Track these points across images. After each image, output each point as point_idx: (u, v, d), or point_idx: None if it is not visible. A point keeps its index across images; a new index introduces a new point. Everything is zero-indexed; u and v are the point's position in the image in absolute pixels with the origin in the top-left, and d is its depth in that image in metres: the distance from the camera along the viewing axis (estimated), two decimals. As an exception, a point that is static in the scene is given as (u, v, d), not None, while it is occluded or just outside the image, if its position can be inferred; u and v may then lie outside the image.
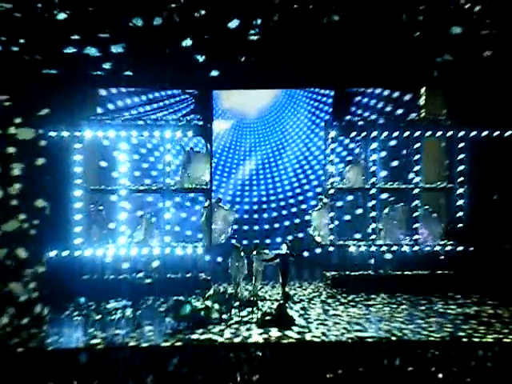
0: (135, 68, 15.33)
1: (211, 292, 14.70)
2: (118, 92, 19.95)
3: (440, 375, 10.99)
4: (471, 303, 15.49)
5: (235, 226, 20.60)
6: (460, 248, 17.09)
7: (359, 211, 18.96)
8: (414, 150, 17.57)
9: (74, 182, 16.67)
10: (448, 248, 17.23)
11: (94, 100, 18.73)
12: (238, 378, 10.98)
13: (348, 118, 18.11)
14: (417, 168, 17.55)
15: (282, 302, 14.60)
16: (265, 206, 25.13)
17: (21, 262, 13.89)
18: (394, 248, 17.37)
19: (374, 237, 17.54)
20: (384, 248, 17.39)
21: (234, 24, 13.32)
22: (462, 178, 17.27)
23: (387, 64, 15.45)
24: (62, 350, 11.32)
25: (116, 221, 17.07)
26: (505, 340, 11.58)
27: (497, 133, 16.80)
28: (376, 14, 13.19)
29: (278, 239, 22.90)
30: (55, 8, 12.77)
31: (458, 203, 17.31)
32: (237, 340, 11.74)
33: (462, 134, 17.18)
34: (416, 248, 17.35)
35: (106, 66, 15.28)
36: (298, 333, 12.30)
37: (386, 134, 17.49)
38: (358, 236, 18.60)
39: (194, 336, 12.03)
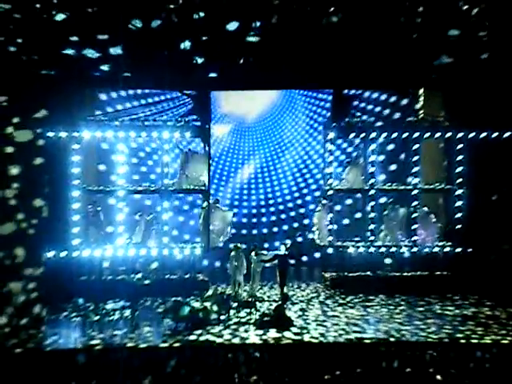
0: (133, 69, 15.32)
1: (209, 293, 14.71)
2: (116, 92, 19.96)
3: (438, 377, 11.00)
4: (469, 304, 15.50)
5: (233, 230, 20.64)
6: (458, 249, 17.09)
7: (359, 213, 18.99)
8: (413, 152, 17.57)
9: (72, 183, 16.65)
10: (447, 249, 17.24)
11: (92, 100, 18.73)
12: (236, 379, 10.97)
13: (347, 119, 18.07)
14: (416, 169, 17.55)
15: (280, 303, 14.60)
16: (263, 210, 25.10)
17: (19, 263, 13.86)
18: (393, 249, 17.37)
19: (372, 238, 17.54)
20: (383, 249, 17.38)
21: (232, 26, 13.32)
22: (460, 180, 17.26)
23: (385, 65, 15.48)
24: (60, 350, 11.32)
25: (114, 222, 17.04)
26: (503, 341, 11.60)
27: (495, 134, 16.80)
28: (374, 15, 13.20)
29: (277, 243, 22.91)
30: (53, 9, 12.75)
31: (456, 204, 17.31)
32: (235, 341, 11.74)
33: (460, 135, 17.16)
34: (415, 249, 17.36)
35: (105, 67, 15.28)
36: (296, 334, 12.30)
37: (384, 135, 17.48)
38: (357, 236, 18.56)
39: (193, 337, 12.03)
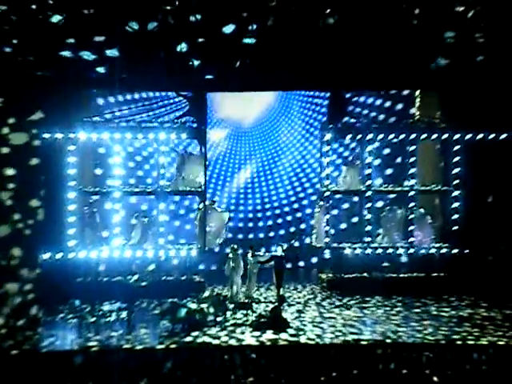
0: (130, 71, 15.30)
1: (206, 294, 14.69)
2: (113, 96, 19.98)
3: (435, 378, 11.02)
4: (465, 306, 15.53)
5: (230, 235, 20.65)
6: (455, 250, 17.12)
7: (356, 217, 19.02)
8: (410, 153, 17.60)
9: (68, 184, 16.60)
10: (443, 250, 17.27)
11: (89, 102, 18.70)
12: (233, 381, 10.97)
13: (344, 120, 18.11)
14: (412, 171, 17.58)
15: (276, 304, 14.59)
16: (260, 215, 25.10)
17: (15, 264, 13.83)
18: (390, 251, 17.41)
19: (369, 239, 17.56)
20: (380, 251, 17.40)
21: (229, 29, 13.33)
22: (457, 181, 17.30)
23: (382, 67, 15.49)
24: (56, 352, 11.30)
25: (110, 223, 17.01)
26: (499, 343, 11.62)
27: (492, 135, 16.83)
28: (370, 17, 13.23)
29: (273, 248, 22.92)
30: (50, 10, 12.73)
31: (453, 206, 17.34)
32: (231, 342, 11.73)
33: (457, 136, 17.20)
34: (411, 250, 17.39)
35: (101, 69, 15.25)
36: (293, 335, 12.30)
37: (381, 136, 17.50)
38: (354, 239, 18.57)
39: (189, 338, 12.01)
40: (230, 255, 15.43)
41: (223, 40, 13.75)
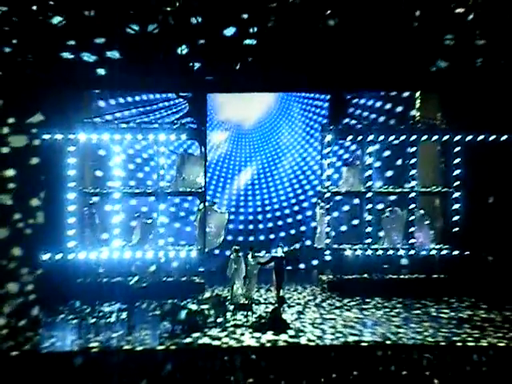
0: (130, 72, 15.28)
1: (206, 295, 14.68)
2: (114, 98, 19.99)
3: (435, 380, 11.02)
4: (465, 307, 15.54)
5: (230, 237, 20.61)
6: (455, 252, 17.13)
7: (357, 212, 19.00)
8: (410, 154, 17.62)
9: (68, 185, 16.58)
10: (444, 252, 17.28)
11: (89, 103, 18.68)
12: (233, 382, 10.97)
13: (344, 121, 18.13)
14: (413, 172, 17.59)
15: (276, 305, 14.59)
16: (260, 217, 25.05)
17: (15, 265, 13.82)
18: (390, 252, 17.42)
19: (370, 240, 17.59)
20: (380, 252, 17.41)
21: (230, 31, 13.35)
22: (457, 182, 17.31)
23: (382, 68, 15.49)
24: (56, 353, 11.30)
25: (110, 224, 17.01)
26: (499, 344, 11.63)
27: (492, 137, 16.85)
28: (371, 19, 13.25)
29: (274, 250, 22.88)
30: (50, 12, 12.74)
31: (453, 207, 17.36)
32: (231, 343, 11.74)
33: (457, 138, 17.21)
34: (412, 252, 17.40)
35: (101, 70, 15.24)
36: (293, 336, 12.31)
37: (382, 137, 17.52)
38: (354, 240, 18.56)
39: (189, 340, 12.01)
40: (232, 256, 15.41)
41: (224, 41, 13.76)
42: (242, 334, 12.47)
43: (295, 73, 15.60)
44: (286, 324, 13.18)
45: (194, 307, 13.28)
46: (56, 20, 12.97)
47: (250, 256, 15.59)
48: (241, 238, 23.22)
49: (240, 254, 15.13)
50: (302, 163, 25.48)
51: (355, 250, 17.49)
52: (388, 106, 20.85)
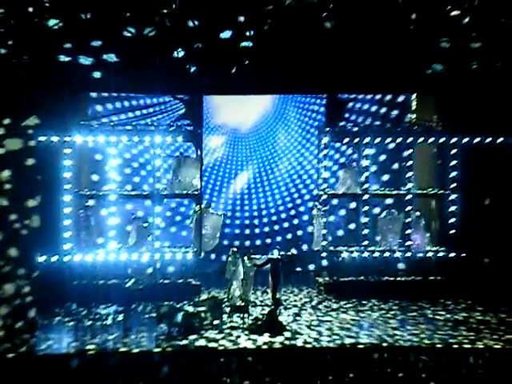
0: (126, 74, 15.29)
1: (203, 298, 14.67)
2: (109, 97, 19.94)
3: (432, 382, 11.03)
4: (461, 309, 15.56)
5: (226, 242, 20.57)
6: (452, 254, 17.16)
7: (353, 216, 19.02)
8: (407, 157, 17.65)
9: (64, 187, 16.55)
10: (440, 254, 17.31)
11: (85, 105, 18.67)
12: (229, 384, 10.99)
13: (341, 124, 18.16)
14: (409, 174, 17.62)
15: (272, 307, 14.58)
16: (257, 222, 25.01)
17: (10, 267, 13.77)
18: (387, 254, 17.44)
19: (366, 243, 17.60)
20: (376, 254, 17.42)
21: (226, 34, 13.36)
22: (454, 185, 17.33)
23: (377, 70, 15.54)
24: (52, 355, 11.27)
25: (106, 227, 16.99)
26: (495, 346, 11.64)
27: (489, 139, 16.90)
28: (367, 22, 13.28)
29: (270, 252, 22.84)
30: (46, 14, 12.73)
31: (450, 209, 17.37)
32: (228, 346, 11.73)
33: (454, 140, 17.24)
34: (408, 254, 17.43)
35: (97, 73, 15.23)
36: (289, 338, 12.30)
37: (378, 140, 17.58)
38: (351, 242, 18.59)
39: (186, 342, 12.00)
40: (230, 258, 15.41)
41: (220, 44, 13.77)
42: (239, 336, 12.47)
43: (291, 75, 15.64)
44: (283, 326, 13.18)
45: (190, 309, 13.27)
46: (52, 22, 12.94)
47: (246, 258, 15.59)
48: (237, 243, 23.16)
49: (238, 255, 15.13)
50: (298, 167, 25.46)
51: (352, 252, 17.51)
52: (383, 111, 20.91)
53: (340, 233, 20.10)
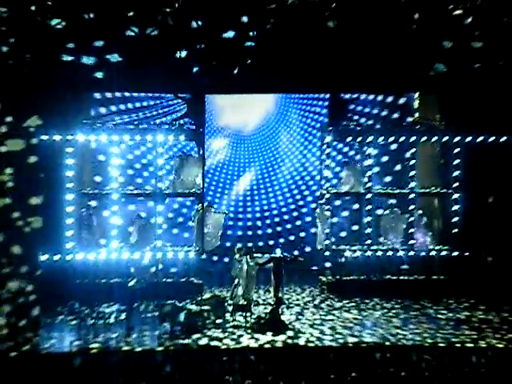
0: (129, 74, 15.28)
1: (206, 296, 14.67)
2: (112, 96, 19.97)
3: (434, 381, 11.03)
4: (463, 308, 15.56)
5: (228, 244, 20.62)
6: (455, 253, 17.16)
7: (357, 218, 19.04)
8: (410, 155, 17.65)
9: (66, 186, 16.58)
10: (443, 253, 17.31)
11: (88, 104, 18.68)
12: (231, 383, 10.97)
13: (344, 123, 18.15)
14: (412, 173, 17.62)
15: (274, 306, 14.57)
16: (259, 223, 25.00)
17: (13, 266, 13.78)
18: (390, 253, 17.44)
19: (369, 241, 17.60)
20: (379, 253, 17.42)
21: (229, 34, 13.36)
22: (457, 184, 17.34)
23: (380, 69, 15.53)
24: (55, 354, 11.29)
25: (108, 225, 17.02)
26: (498, 345, 11.64)
27: (492, 138, 16.89)
28: (370, 21, 13.27)
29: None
30: (48, 13, 12.73)
31: (453, 208, 17.38)
32: (230, 344, 11.74)
33: (457, 139, 17.25)
34: (411, 253, 17.43)
35: (100, 72, 15.22)
36: (291, 337, 12.31)
37: (381, 139, 17.60)
38: (353, 241, 18.60)
39: (188, 340, 12.01)
40: (236, 257, 15.41)
41: (222, 43, 13.77)
42: (241, 335, 12.47)
43: (294, 74, 15.62)
44: (285, 325, 13.19)
45: (193, 308, 13.28)
46: (54, 22, 12.94)
47: (248, 257, 15.58)
48: (239, 245, 23.13)
49: (242, 253, 15.14)
50: (300, 169, 25.46)
51: (354, 251, 17.52)
52: (384, 113, 20.90)
53: (343, 234, 20.07)
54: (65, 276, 16.00)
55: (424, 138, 17.59)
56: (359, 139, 17.74)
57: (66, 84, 15.66)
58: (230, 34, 13.53)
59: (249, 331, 12.84)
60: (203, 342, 11.95)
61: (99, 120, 17.79)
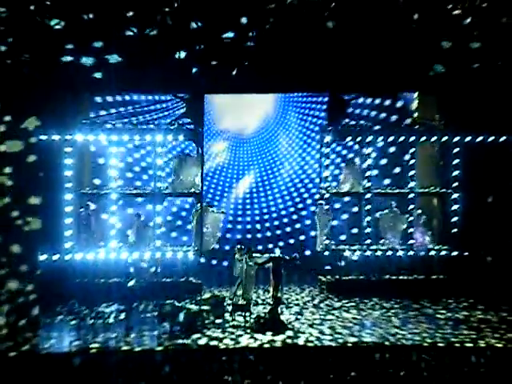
0: (128, 74, 15.27)
1: (205, 296, 14.68)
2: (110, 96, 19.98)
3: (433, 381, 11.04)
4: (462, 308, 15.57)
5: (227, 247, 20.57)
6: (454, 253, 17.17)
7: (356, 219, 19.05)
8: (410, 155, 17.67)
9: (65, 186, 16.57)
10: (442, 253, 17.32)
11: (87, 104, 18.69)
12: (230, 383, 10.97)
13: (343, 122, 18.16)
14: (411, 173, 17.64)
15: (273, 306, 14.57)
16: (259, 226, 24.98)
17: (12, 266, 13.77)
18: (389, 253, 17.46)
19: (368, 241, 17.62)
20: (379, 253, 17.43)
21: (228, 34, 13.37)
22: (456, 183, 17.35)
23: (379, 70, 15.54)
24: (55, 354, 11.29)
25: (107, 225, 17.02)
26: (497, 345, 11.65)
27: (491, 138, 16.90)
28: (369, 21, 13.29)
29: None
30: (47, 14, 12.73)
31: (452, 208, 17.39)
32: (229, 344, 11.74)
33: (456, 139, 17.26)
34: (411, 253, 17.44)
35: (99, 73, 15.22)
36: (290, 337, 12.31)
37: (380, 138, 17.63)
38: (353, 241, 18.63)
39: (188, 340, 12.01)
40: (237, 256, 15.42)
41: (222, 44, 13.78)
42: (240, 335, 12.48)
43: (293, 74, 15.63)
44: (284, 325, 13.20)
45: (193, 308, 13.28)
46: (53, 22, 12.94)
47: (247, 256, 15.59)
48: (239, 246, 23.13)
49: (243, 252, 15.17)
50: (299, 172, 25.45)
51: (354, 251, 17.53)
52: (383, 115, 20.93)
53: (343, 237, 20.06)
54: (64, 276, 16.01)
55: (423, 138, 17.61)
56: (358, 139, 17.76)
57: (65, 84, 15.64)
58: (230, 34, 13.54)
59: (248, 331, 12.84)
60: (202, 341, 11.96)
61: (98, 120, 17.76)
